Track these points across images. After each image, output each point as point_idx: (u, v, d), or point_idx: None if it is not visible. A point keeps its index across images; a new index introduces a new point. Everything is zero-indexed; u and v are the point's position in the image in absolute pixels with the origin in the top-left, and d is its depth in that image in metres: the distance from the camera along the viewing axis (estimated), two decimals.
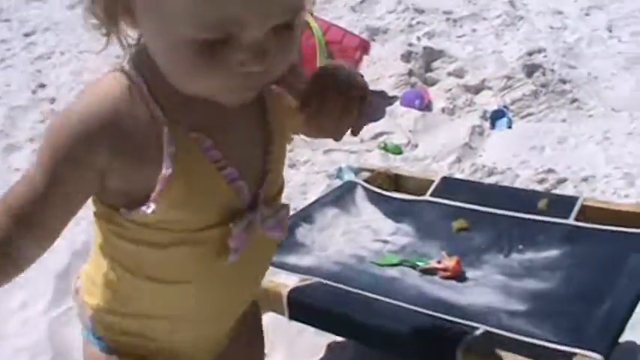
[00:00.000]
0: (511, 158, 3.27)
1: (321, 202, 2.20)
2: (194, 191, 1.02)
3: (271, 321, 1.96)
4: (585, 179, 3.02)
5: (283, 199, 1.20)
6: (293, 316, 1.71)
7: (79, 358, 2.29)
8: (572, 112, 3.71)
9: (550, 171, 3.08)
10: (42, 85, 4.09)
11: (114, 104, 0.98)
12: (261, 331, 1.42)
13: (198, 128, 1.01)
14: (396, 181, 2.30)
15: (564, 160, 3.23)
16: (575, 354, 1.44)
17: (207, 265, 1.09)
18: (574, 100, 3.76)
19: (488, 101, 3.78)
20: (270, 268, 1.59)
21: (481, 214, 2.04)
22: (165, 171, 0.99)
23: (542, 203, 2.02)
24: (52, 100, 3.94)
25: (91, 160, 0.98)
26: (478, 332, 1.52)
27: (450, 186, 2.20)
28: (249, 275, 1.19)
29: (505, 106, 3.67)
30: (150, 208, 1.00)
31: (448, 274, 1.80)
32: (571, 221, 1.94)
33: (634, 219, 1.90)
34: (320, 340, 2.12)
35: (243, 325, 1.28)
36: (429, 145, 3.45)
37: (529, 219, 1.98)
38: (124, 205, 1.03)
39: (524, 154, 3.33)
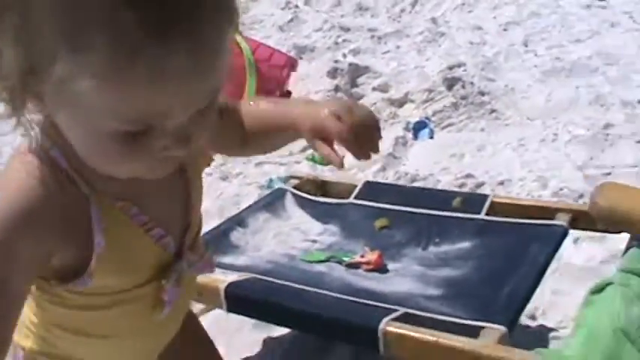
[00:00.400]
0: (432, 165, 3.45)
1: (253, 208, 2.35)
2: (128, 258, 1.06)
3: (210, 319, 2.10)
4: (502, 183, 3.21)
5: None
6: (231, 309, 1.84)
7: None
8: (490, 122, 3.90)
9: (469, 176, 3.26)
10: None
11: (30, 197, 0.94)
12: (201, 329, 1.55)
13: (122, 197, 1.03)
14: (322, 187, 2.46)
15: (482, 166, 3.41)
16: (482, 327, 1.61)
17: (143, 319, 1.14)
18: (492, 111, 3.94)
19: (411, 113, 3.94)
20: None
21: (401, 213, 2.21)
22: (98, 247, 1.00)
23: (456, 202, 2.21)
24: None
25: (28, 254, 0.96)
26: (398, 313, 1.68)
27: (372, 189, 2.37)
28: (179, 316, 1.27)
29: (427, 118, 3.84)
30: (88, 283, 1.02)
31: (371, 266, 1.96)
32: (482, 216, 2.13)
33: (537, 212, 2.10)
34: (258, 335, 2.27)
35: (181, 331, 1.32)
36: None
37: (445, 216, 2.16)
38: (55, 278, 1.04)
39: (445, 161, 3.51)
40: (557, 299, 2.43)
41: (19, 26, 0.82)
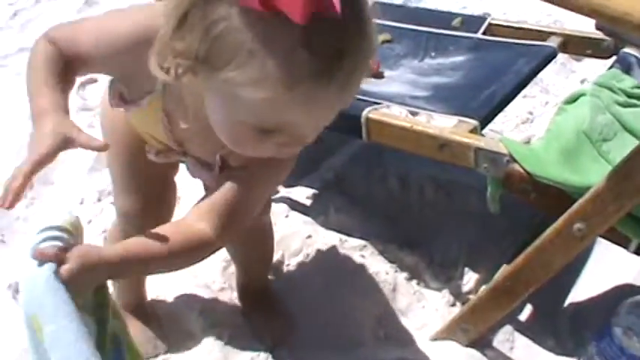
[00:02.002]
0: (452, 3, 3.50)
1: None
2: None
3: None
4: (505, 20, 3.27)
5: None
6: None
7: None
8: None
9: (485, 14, 3.33)
10: None
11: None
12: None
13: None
14: None
15: (501, 8, 3.47)
16: (457, 120, 1.76)
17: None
18: None
19: None
20: None
21: (403, 30, 2.33)
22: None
23: (456, 21, 2.32)
24: None
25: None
26: (381, 106, 1.84)
27: (380, 8, 2.48)
28: None
29: None
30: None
31: None
32: (478, 35, 2.25)
33: (531, 35, 2.21)
34: None
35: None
36: None
37: (443, 33, 2.28)
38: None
39: (464, 1, 3.58)
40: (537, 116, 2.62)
41: (210, 24, 0.95)
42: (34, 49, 1.22)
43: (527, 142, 2.50)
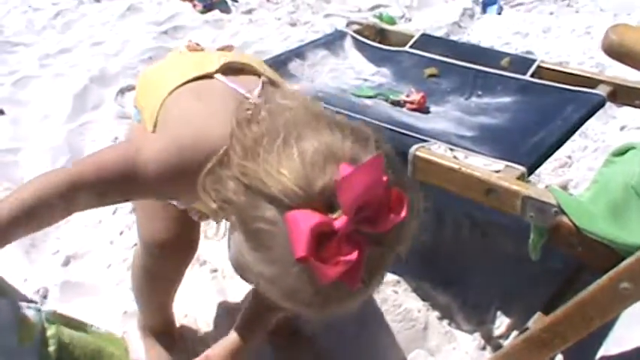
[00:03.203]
0: (495, 39, 3.53)
1: (313, 44, 2.49)
2: None
3: None
4: (555, 63, 3.28)
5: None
6: None
7: None
8: (561, 7, 3.95)
9: (528, 53, 3.34)
10: None
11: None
12: None
13: None
14: (381, 34, 2.58)
15: (544, 47, 3.48)
16: (504, 165, 1.75)
17: None
18: None
19: None
20: None
21: (451, 65, 2.33)
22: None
23: (504, 61, 2.31)
24: None
25: None
26: (429, 144, 1.82)
27: (428, 41, 2.48)
28: None
29: None
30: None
31: (414, 106, 2.10)
32: (527, 77, 2.24)
33: (580, 81, 2.19)
34: None
35: None
36: (422, 20, 3.71)
37: (491, 72, 2.27)
38: None
39: (508, 37, 3.59)
40: (591, 175, 2.54)
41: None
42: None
43: (565, 186, 2.49)
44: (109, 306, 2.00)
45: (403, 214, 0.98)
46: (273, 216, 0.98)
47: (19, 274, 2.07)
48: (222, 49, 1.82)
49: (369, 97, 2.18)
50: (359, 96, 2.19)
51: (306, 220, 0.94)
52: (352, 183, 0.94)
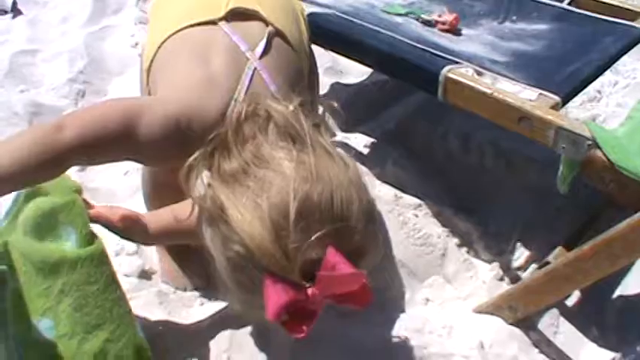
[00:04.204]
0: None
1: None
2: None
3: None
4: None
5: None
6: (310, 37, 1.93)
7: (110, 67, 2.58)
8: None
9: None
10: None
11: None
12: None
13: None
14: None
15: None
16: (538, 94, 1.69)
17: None
18: None
19: None
20: None
21: None
22: None
23: None
24: None
25: None
26: (461, 66, 1.77)
27: None
28: None
29: None
30: None
31: (446, 27, 2.03)
32: (564, 5, 2.16)
33: (619, 13, 2.11)
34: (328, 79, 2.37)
35: None
36: None
37: None
38: None
39: None
40: (620, 111, 2.50)
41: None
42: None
43: (593, 120, 2.43)
44: None
45: (367, 303, 1.06)
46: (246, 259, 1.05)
47: None
48: None
49: (400, 15, 2.11)
50: (389, 13, 2.12)
51: (282, 294, 1.00)
52: (333, 282, 1.01)
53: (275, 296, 1.00)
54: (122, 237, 1.42)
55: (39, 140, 1.16)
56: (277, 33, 1.45)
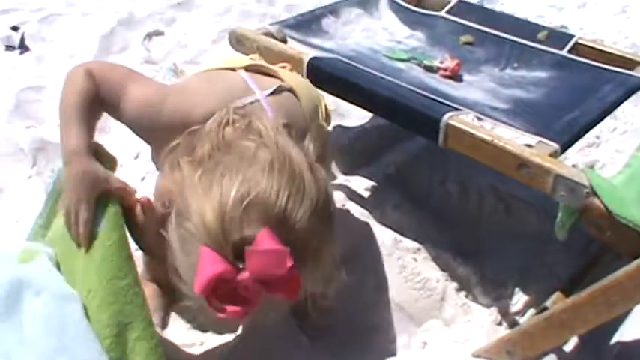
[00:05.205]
0: (529, 12, 3.47)
1: (348, 2, 2.44)
2: None
3: None
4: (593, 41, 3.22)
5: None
6: (311, 79, 1.95)
7: None
8: None
9: (562, 28, 3.28)
10: None
11: None
12: None
13: None
14: None
15: (578, 23, 3.42)
16: (537, 141, 1.71)
17: None
18: None
19: None
20: (294, 43, 1.89)
21: (486, 34, 2.29)
22: None
23: (542, 34, 2.27)
24: None
25: None
26: (462, 112, 1.79)
27: (465, 7, 2.44)
28: None
29: None
30: None
31: (447, 73, 2.07)
32: (564, 53, 2.19)
33: (617, 61, 2.15)
34: None
35: None
36: None
37: (528, 45, 2.23)
38: None
39: (543, 10, 3.53)
40: (618, 157, 2.53)
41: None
42: (71, 78, 1.33)
43: (591, 167, 2.45)
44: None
45: (295, 294, 1.10)
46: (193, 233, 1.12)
47: None
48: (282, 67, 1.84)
49: (402, 60, 2.14)
50: (392, 58, 2.15)
51: (212, 265, 1.05)
52: (260, 259, 1.05)
53: (205, 268, 1.05)
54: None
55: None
56: (290, 90, 1.52)
